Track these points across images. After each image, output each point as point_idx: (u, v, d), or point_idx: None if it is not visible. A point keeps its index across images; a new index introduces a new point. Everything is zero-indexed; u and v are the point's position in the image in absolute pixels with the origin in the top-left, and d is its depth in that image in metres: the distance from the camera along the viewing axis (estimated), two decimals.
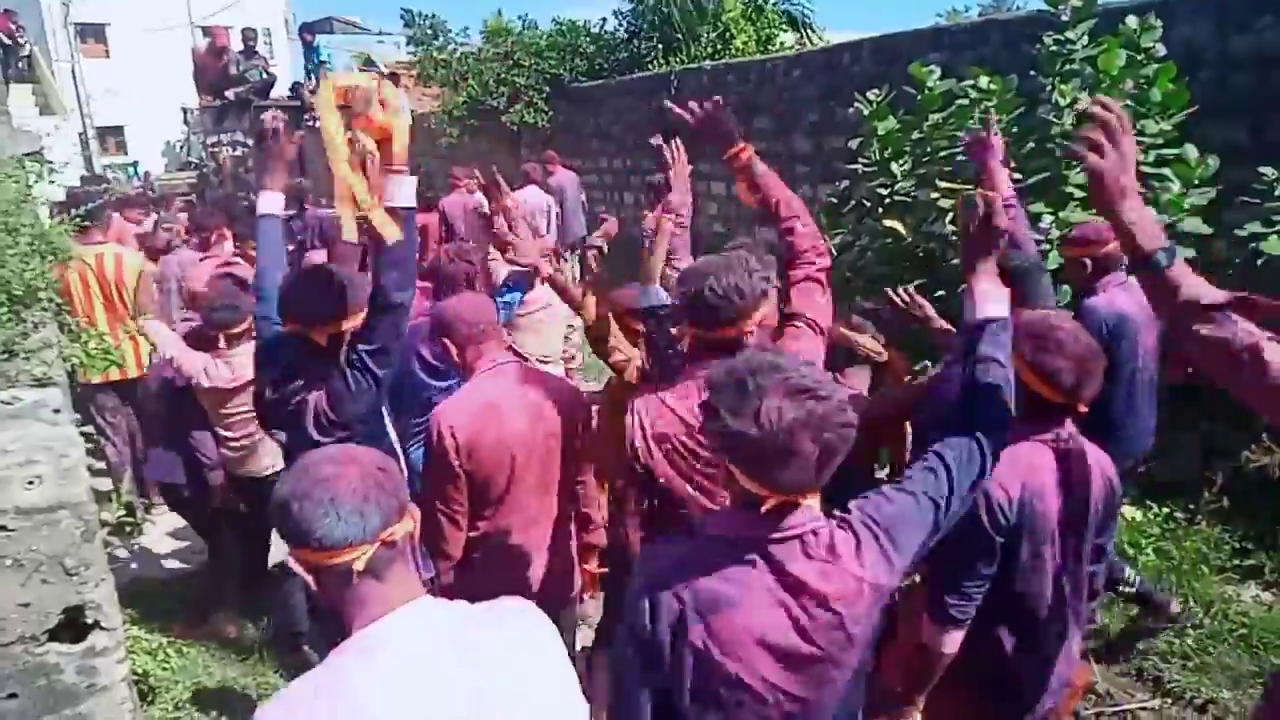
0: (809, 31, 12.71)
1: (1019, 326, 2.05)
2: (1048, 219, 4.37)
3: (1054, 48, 4.66)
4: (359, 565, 1.27)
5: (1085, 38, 4.60)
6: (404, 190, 2.38)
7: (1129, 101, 4.46)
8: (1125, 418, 3.53)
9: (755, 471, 1.48)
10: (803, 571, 1.52)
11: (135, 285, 5.16)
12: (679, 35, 11.97)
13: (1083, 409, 2.14)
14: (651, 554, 1.71)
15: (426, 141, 17.31)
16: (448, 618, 1.37)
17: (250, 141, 11.42)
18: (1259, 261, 4.28)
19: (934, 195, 5.32)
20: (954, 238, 5.24)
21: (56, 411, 1.71)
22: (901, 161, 5.26)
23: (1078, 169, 4.44)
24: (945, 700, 2.27)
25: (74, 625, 1.42)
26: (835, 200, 5.81)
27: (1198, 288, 1.63)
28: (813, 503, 1.55)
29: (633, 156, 11.86)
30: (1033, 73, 4.92)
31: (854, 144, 5.58)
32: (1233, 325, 1.58)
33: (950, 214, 5.30)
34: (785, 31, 12.51)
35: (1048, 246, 4.38)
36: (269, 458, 3.72)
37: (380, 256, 2.38)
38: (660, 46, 12.15)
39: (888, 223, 5.26)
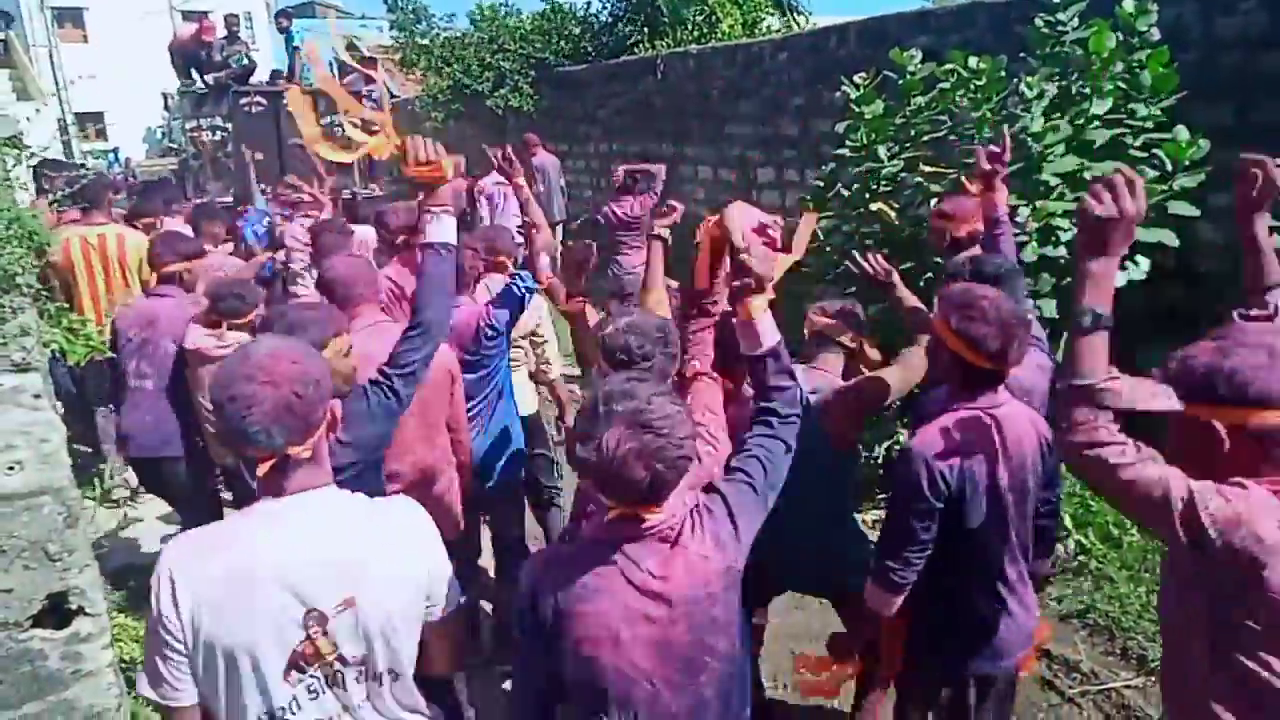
0: (795, 15, 12.66)
1: (942, 299, 2.26)
2: (1024, 211, 4.36)
3: (1044, 30, 4.64)
4: (262, 470, 1.55)
5: (1075, 20, 4.59)
6: (444, 228, 2.42)
7: (1120, 84, 4.46)
8: None
9: (599, 488, 1.66)
10: (656, 565, 1.67)
11: (139, 264, 5.23)
12: (665, 19, 11.90)
13: (1013, 372, 2.26)
14: (536, 558, 1.91)
15: (410, 126, 17.20)
16: (345, 502, 1.65)
17: (230, 126, 11.33)
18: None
19: (918, 179, 5.32)
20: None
21: (36, 397, 1.69)
22: (888, 146, 5.24)
23: (1052, 159, 4.43)
24: (912, 664, 2.45)
25: (58, 611, 1.40)
26: (821, 184, 5.79)
27: (1095, 364, 1.66)
28: (658, 513, 1.68)
29: (619, 140, 11.81)
30: (1022, 55, 4.91)
31: (840, 128, 5.56)
32: (1101, 422, 1.64)
33: (935, 198, 5.30)
34: (771, 15, 12.46)
35: (1025, 238, 4.39)
36: None
37: (421, 286, 2.44)
38: (646, 30, 12.07)
39: (874, 207, 5.24)
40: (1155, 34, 4.57)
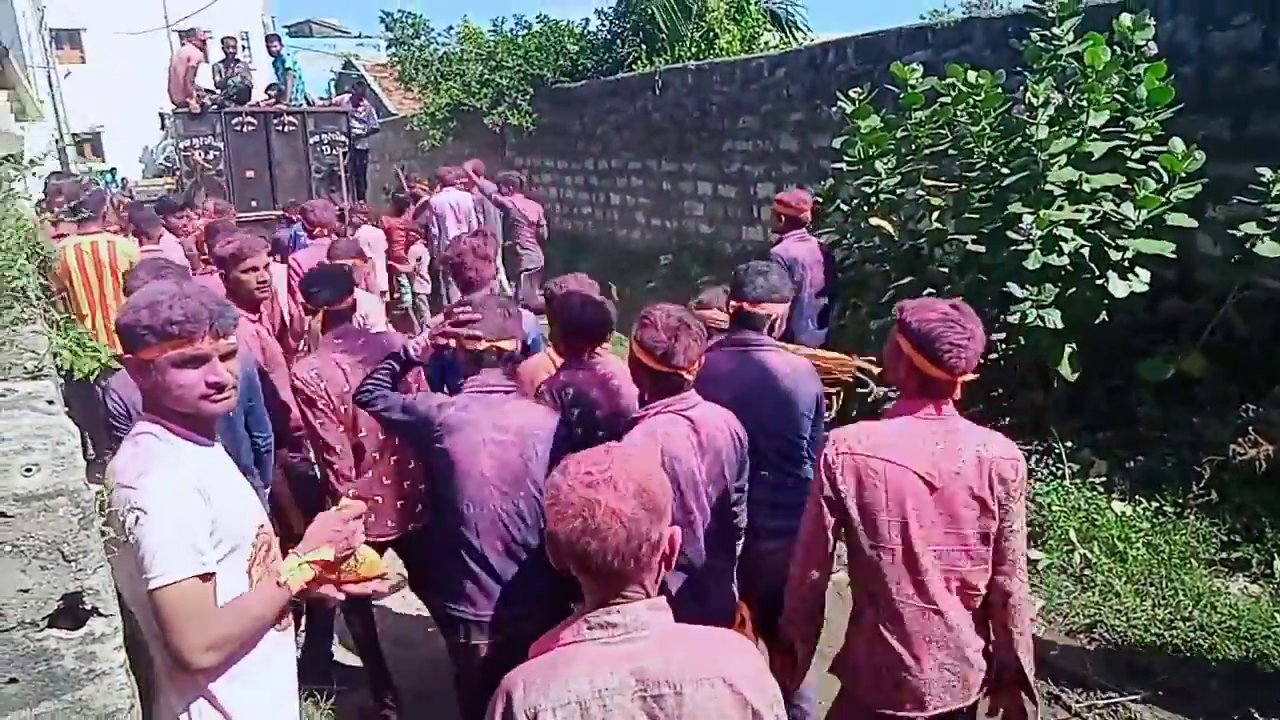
0: (793, 31, 12.76)
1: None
2: (1028, 219, 4.39)
3: (1041, 44, 4.69)
4: None
5: (1071, 34, 4.64)
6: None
7: (1116, 97, 4.50)
8: (796, 326, 4.98)
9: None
10: (508, 407, 2.71)
11: (126, 270, 5.31)
12: (663, 35, 11.99)
13: (688, 375, 2.52)
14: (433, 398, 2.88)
15: (408, 143, 17.26)
16: None
17: (222, 145, 11.56)
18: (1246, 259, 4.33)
19: (919, 193, 5.35)
20: (942, 235, 5.27)
21: (50, 403, 1.69)
22: (886, 160, 5.27)
23: (1057, 166, 4.47)
24: None
25: (73, 612, 1.39)
26: (821, 199, 5.82)
27: None
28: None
29: (618, 157, 11.87)
30: (1019, 70, 4.96)
31: (838, 142, 5.60)
32: None
33: (936, 211, 5.33)
34: (769, 31, 12.56)
35: (1028, 247, 4.41)
36: None
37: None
38: (644, 47, 12.16)
39: (874, 221, 5.27)
40: (1153, 48, 4.62)
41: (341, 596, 2.06)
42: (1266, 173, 4.20)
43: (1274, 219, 4.17)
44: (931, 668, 2.25)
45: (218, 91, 11.80)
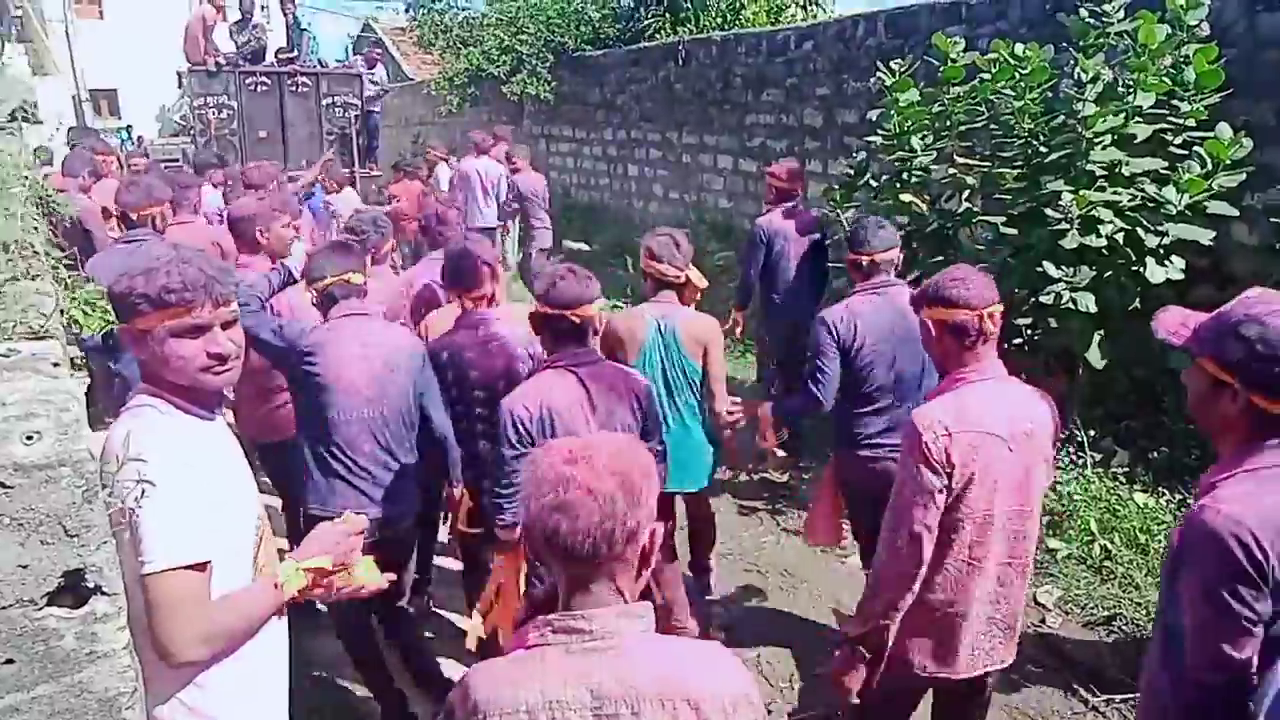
0: (820, 5, 12.49)
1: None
2: (1067, 197, 4.26)
3: (1089, 20, 4.52)
4: None
5: (1120, 11, 4.47)
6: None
7: (1164, 79, 4.33)
8: (777, 293, 5.51)
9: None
10: (375, 329, 3.19)
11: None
12: (687, 5, 11.76)
13: (574, 318, 2.66)
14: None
15: (425, 109, 17.10)
16: None
17: (235, 104, 11.60)
18: None
19: (951, 171, 5.20)
20: (972, 215, 5.13)
21: (55, 365, 1.61)
22: (922, 136, 5.12)
23: (1100, 146, 4.32)
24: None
25: (74, 589, 1.32)
26: (851, 172, 5.67)
27: None
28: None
29: (638, 128, 11.70)
30: (1062, 46, 4.79)
31: (874, 115, 5.44)
32: None
33: (967, 191, 5.18)
34: (798, 5, 12.30)
35: (1066, 226, 4.28)
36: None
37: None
38: (668, 16, 11.94)
39: (905, 198, 5.13)
40: (1205, 29, 4.45)
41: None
42: None
43: None
44: (981, 628, 2.34)
45: (234, 51, 11.79)
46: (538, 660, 1.31)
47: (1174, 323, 1.84)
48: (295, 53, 12.48)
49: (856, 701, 2.40)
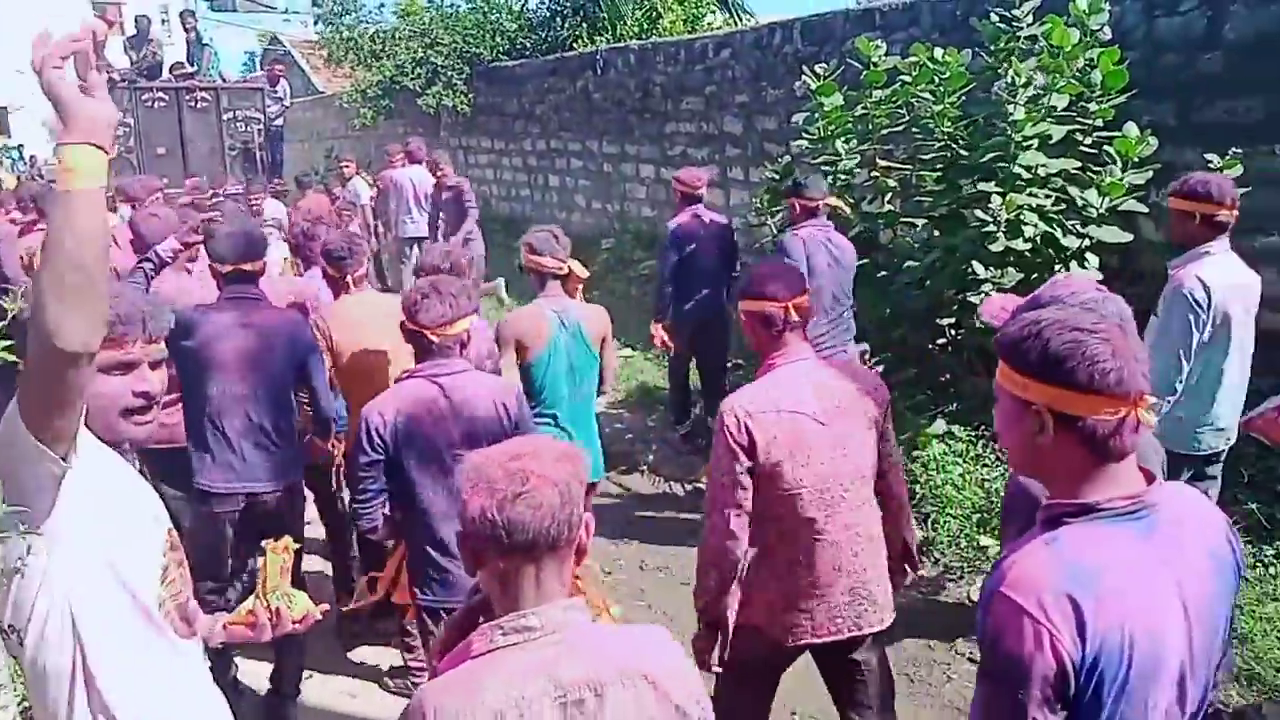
0: (739, 12, 12.62)
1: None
2: (996, 200, 4.33)
3: (1000, 24, 4.62)
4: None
5: (1030, 16, 4.59)
6: None
7: (1073, 80, 4.45)
8: (689, 292, 5.44)
9: None
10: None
11: None
12: (604, 14, 11.74)
13: (434, 337, 2.69)
14: None
15: (338, 122, 16.68)
16: None
17: (132, 121, 11.29)
18: None
19: (874, 174, 5.27)
20: (894, 218, 5.20)
21: None
22: (846, 139, 5.17)
23: (1028, 150, 4.41)
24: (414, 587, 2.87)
25: None
26: (777, 176, 5.69)
27: None
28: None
29: (558, 138, 11.61)
30: (976, 50, 4.89)
31: (798, 119, 5.47)
32: None
33: (890, 194, 5.26)
34: (714, 12, 12.40)
35: (993, 229, 4.36)
36: None
37: None
38: (585, 25, 11.89)
39: (831, 201, 5.17)
40: (1107, 32, 4.59)
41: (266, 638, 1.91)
42: (1215, 159, 4.20)
43: None
44: (844, 598, 2.44)
45: (129, 67, 11.44)
46: (493, 664, 1.32)
47: (995, 307, 1.96)
48: (195, 68, 12.24)
49: (718, 670, 2.55)
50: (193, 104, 11.79)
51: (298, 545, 2.02)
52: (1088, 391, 1.33)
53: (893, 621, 2.57)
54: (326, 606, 2.11)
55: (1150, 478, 1.42)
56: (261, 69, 14.47)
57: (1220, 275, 3.19)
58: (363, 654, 3.94)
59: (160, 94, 11.51)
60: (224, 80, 12.66)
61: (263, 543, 2.04)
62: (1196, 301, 3.14)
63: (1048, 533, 1.39)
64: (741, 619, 2.49)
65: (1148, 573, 1.35)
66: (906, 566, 2.71)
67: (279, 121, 12.91)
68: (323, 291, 4.10)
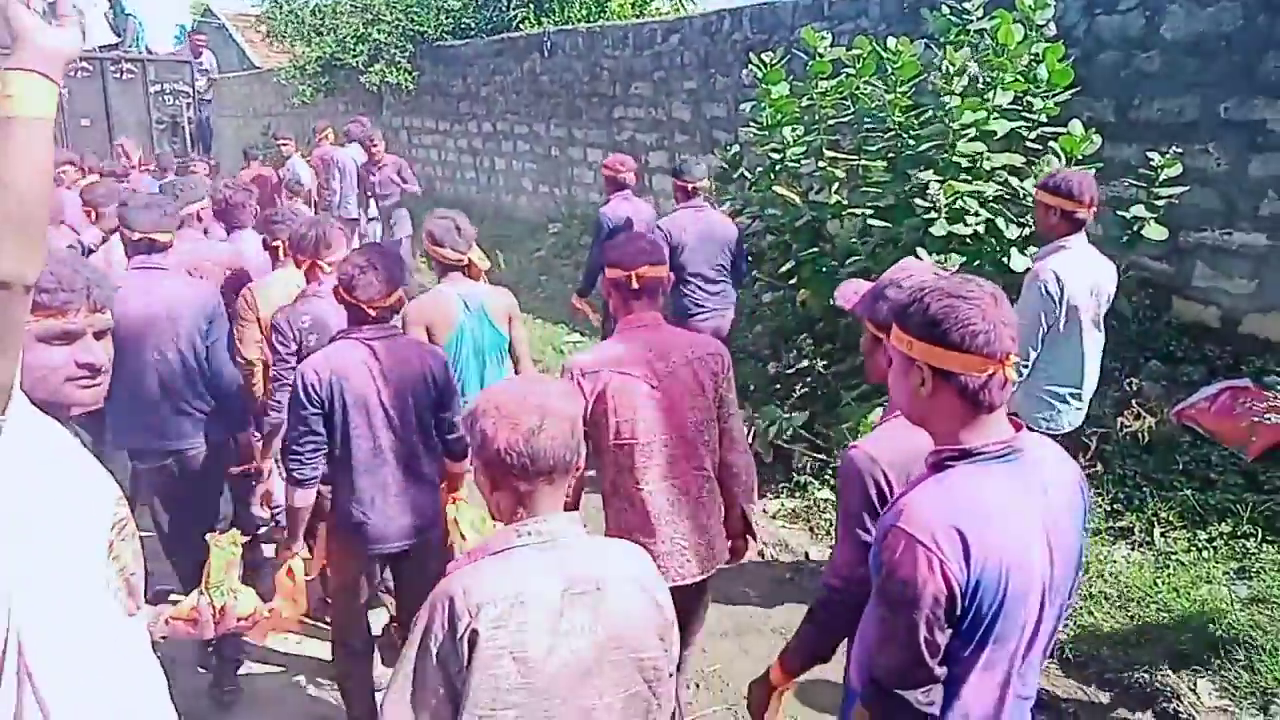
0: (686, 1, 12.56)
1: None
2: (935, 186, 4.39)
3: (950, 17, 4.67)
4: None
5: (980, 10, 4.64)
6: None
7: (1019, 76, 4.52)
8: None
9: None
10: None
11: None
12: None
13: (371, 311, 2.81)
14: None
15: (275, 99, 16.22)
16: None
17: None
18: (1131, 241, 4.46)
19: (821, 165, 5.29)
20: (841, 208, 5.24)
21: None
22: (793, 128, 5.18)
23: (966, 139, 4.49)
24: (332, 546, 2.97)
25: None
26: (725, 166, 5.69)
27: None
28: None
29: (503, 120, 11.45)
30: (924, 42, 4.94)
31: (745, 108, 5.47)
32: None
33: (836, 184, 5.29)
34: None
35: (934, 215, 4.42)
36: None
37: None
38: (532, 6, 11.72)
39: (779, 190, 5.19)
40: (1052, 29, 4.67)
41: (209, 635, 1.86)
42: (1156, 157, 4.32)
43: (1160, 202, 4.30)
44: (665, 547, 2.66)
45: None
46: (510, 559, 1.57)
47: (849, 291, 2.13)
48: (119, 38, 11.84)
49: None
50: (118, 75, 11.52)
51: (245, 539, 1.95)
52: (960, 350, 1.49)
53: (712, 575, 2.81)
54: (275, 605, 2.05)
55: (1019, 426, 1.60)
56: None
57: (1074, 268, 3.39)
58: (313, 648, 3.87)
59: (84, 64, 11.14)
60: (150, 53, 12.37)
61: (206, 537, 1.97)
62: (1049, 294, 3.34)
63: (936, 474, 1.56)
64: None
65: (1019, 508, 1.53)
66: (748, 537, 2.93)
67: (207, 95, 12.58)
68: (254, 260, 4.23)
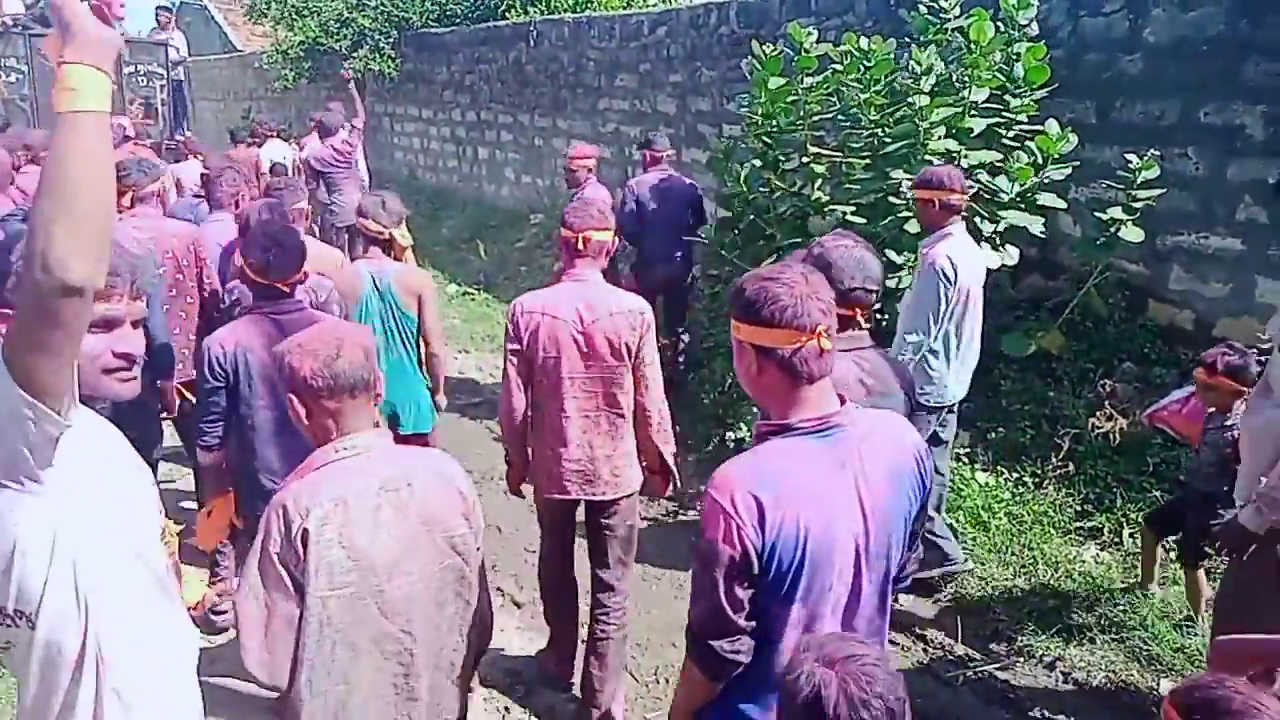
0: None
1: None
2: (907, 184, 4.39)
3: (927, 16, 4.66)
4: None
5: (957, 9, 4.63)
6: None
7: (997, 74, 4.52)
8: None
9: None
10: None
11: None
12: None
13: (284, 289, 3.03)
14: None
15: (256, 83, 16.04)
16: None
17: (26, 69, 10.71)
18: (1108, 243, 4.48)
19: (804, 160, 5.27)
20: (822, 205, 5.22)
21: None
22: (786, 116, 5.17)
23: (936, 137, 4.49)
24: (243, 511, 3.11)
25: None
26: (722, 155, 5.66)
27: None
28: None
29: (489, 109, 11.37)
30: (906, 40, 4.93)
31: (732, 105, 5.44)
32: None
33: (820, 179, 5.27)
34: None
35: (907, 214, 4.42)
36: None
37: None
38: None
39: (771, 178, 5.17)
40: (1034, 28, 4.67)
41: None
42: (1134, 159, 4.32)
43: (1138, 205, 4.31)
44: (575, 466, 3.12)
45: (24, 12, 10.84)
46: (329, 471, 1.83)
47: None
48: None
49: (520, 496, 3.44)
50: None
51: (179, 528, 1.92)
52: (772, 326, 1.63)
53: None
54: (223, 587, 2.05)
55: (843, 402, 1.74)
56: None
57: (963, 254, 3.73)
58: None
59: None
60: (124, 31, 12.16)
61: None
62: (946, 276, 3.65)
63: (755, 446, 1.72)
64: (531, 469, 3.28)
65: (824, 476, 1.65)
66: (665, 477, 3.32)
67: (178, 74, 12.43)
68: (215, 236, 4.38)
